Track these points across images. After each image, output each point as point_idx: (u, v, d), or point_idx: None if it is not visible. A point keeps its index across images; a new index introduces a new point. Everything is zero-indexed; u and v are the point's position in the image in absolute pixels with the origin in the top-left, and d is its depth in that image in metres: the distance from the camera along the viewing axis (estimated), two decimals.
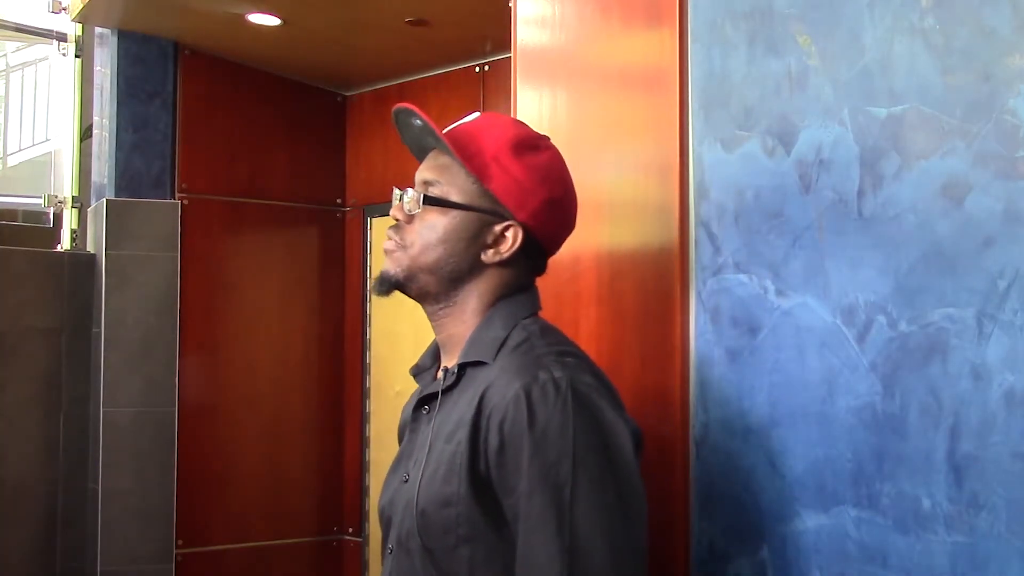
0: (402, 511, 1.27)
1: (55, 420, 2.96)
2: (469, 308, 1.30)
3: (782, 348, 1.35)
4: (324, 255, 3.41)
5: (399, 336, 3.26)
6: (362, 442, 3.35)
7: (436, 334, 1.35)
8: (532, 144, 1.31)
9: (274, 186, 3.30)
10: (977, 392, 1.13)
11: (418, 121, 1.31)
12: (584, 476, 1.14)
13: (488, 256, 1.28)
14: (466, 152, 1.28)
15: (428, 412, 1.31)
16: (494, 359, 1.24)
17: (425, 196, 1.29)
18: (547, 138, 1.35)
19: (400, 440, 1.42)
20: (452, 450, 1.21)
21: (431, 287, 1.30)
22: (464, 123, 1.34)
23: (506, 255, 1.28)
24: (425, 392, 1.33)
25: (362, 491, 3.34)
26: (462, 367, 1.27)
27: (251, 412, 3.20)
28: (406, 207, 1.30)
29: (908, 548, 1.19)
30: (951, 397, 1.16)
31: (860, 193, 1.26)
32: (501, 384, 1.20)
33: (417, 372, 1.39)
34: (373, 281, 1.33)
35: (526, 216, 1.28)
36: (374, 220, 3.36)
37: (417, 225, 1.29)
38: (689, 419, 1.46)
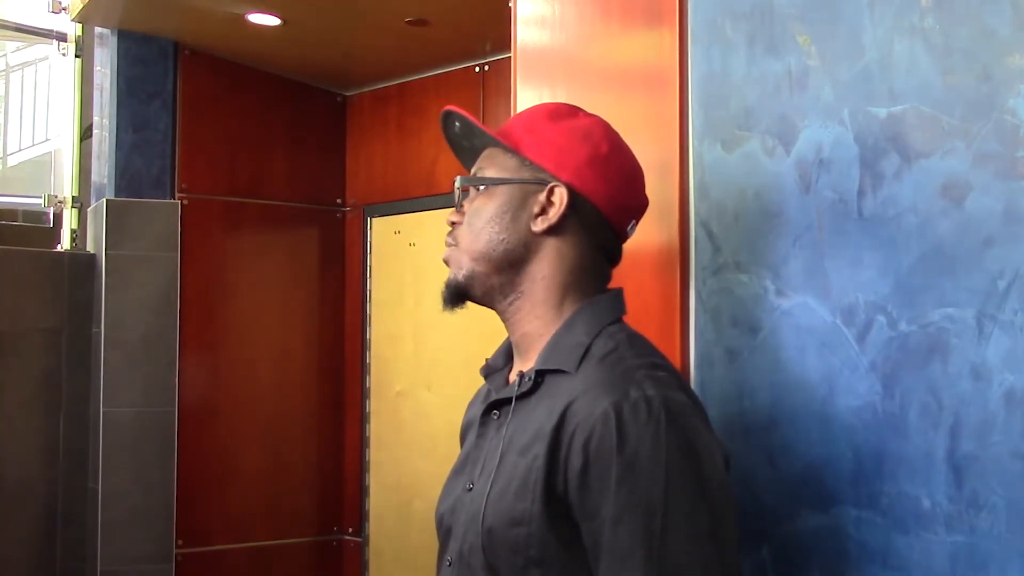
0: (465, 524, 1.19)
1: (55, 420, 2.96)
2: (539, 297, 1.23)
3: (782, 348, 1.35)
4: (324, 255, 3.41)
5: (399, 336, 3.26)
6: (362, 442, 3.35)
7: (510, 334, 1.27)
8: (570, 112, 1.28)
9: (274, 186, 3.30)
10: (977, 392, 1.13)
11: (457, 124, 1.29)
12: (676, 504, 1.06)
13: (538, 224, 1.22)
14: (500, 133, 1.27)
15: (499, 418, 1.23)
16: (577, 369, 1.16)
17: (462, 178, 1.26)
18: (592, 113, 1.31)
19: (462, 440, 1.35)
20: (527, 464, 1.13)
21: (493, 279, 1.23)
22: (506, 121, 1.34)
23: (555, 219, 1.21)
24: (497, 396, 1.24)
25: (362, 491, 3.34)
26: (540, 374, 1.19)
27: (251, 412, 3.20)
28: (457, 203, 1.28)
29: (908, 548, 1.19)
30: (951, 397, 1.16)
31: (860, 193, 1.26)
32: (588, 399, 1.11)
33: (488, 372, 1.31)
34: (441, 295, 1.27)
35: (569, 175, 1.22)
36: (374, 220, 3.36)
37: (466, 217, 1.26)
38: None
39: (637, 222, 1.30)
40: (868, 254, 1.25)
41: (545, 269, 1.23)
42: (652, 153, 1.54)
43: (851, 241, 1.27)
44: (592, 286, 1.25)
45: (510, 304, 1.25)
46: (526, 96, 1.78)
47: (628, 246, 1.58)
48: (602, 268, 1.27)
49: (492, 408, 1.25)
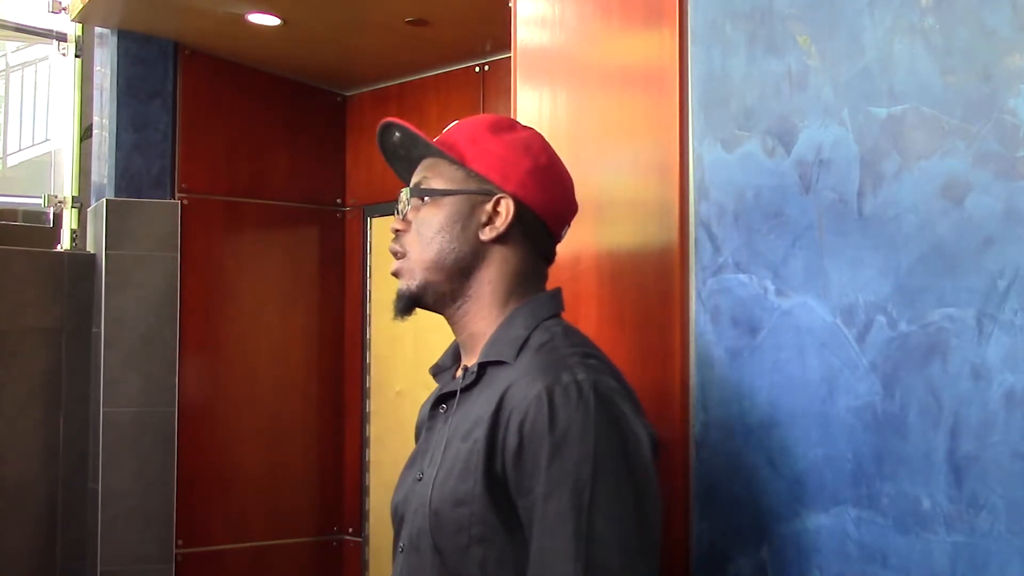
0: (415, 510, 1.25)
1: (55, 420, 2.96)
2: (485, 301, 1.29)
3: (782, 348, 1.35)
4: (324, 255, 3.41)
5: (399, 336, 3.26)
6: (362, 442, 3.35)
7: (456, 335, 1.34)
8: (509, 125, 1.34)
9: (274, 186, 3.30)
10: (977, 392, 1.13)
11: (396, 134, 1.34)
12: (603, 480, 1.13)
13: (486, 233, 1.28)
14: (444, 144, 1.31)
15: (445, 411, 1.30)
16: (515, 359, 1.23)
17: (412, 189, 1.31)
18: (526, 125, 1.37)
19: (417, 439, 1.40)
20: (469, 448, 1.20)
21: (444, 287, 1.30)
22: (442, 133, 1.37)
23: (502, 228, 1.28)
24: (443, 391, 1.32)
25: (362, 491, 3.35)
26: (482, 366, 1.26)
27: (251, 412, 3.20)
28: (400, 212, 1.33)
29: (908, 548, 1.19)
30: (951, 397, 1.16)
31: (860, 193, 1.26)
32: (523, 384, 1.18)
33: (436, 372, 1.39)
34: (393, 305, 1.33)
35: (514, 186, 1.29)
36: (374, 220, 3.36)
37: (414, 227, 1.31)
38: (689, 419, 1.46)
39: (569, 226, 1.38)
40: (868, 254, 1.25)
41: (492, 274, 1.30)
42: (652, 153, 1.54)
43: (851, 241, 1.27)
44: (533, 286, 1.33)
45: (458, 308, 1.31)
46: (526, 96, 1.78)
47: (628, 246, 1.58)
48: (541, 270, 1.35)
49: (440, 402, 1.32)
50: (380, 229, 3.35)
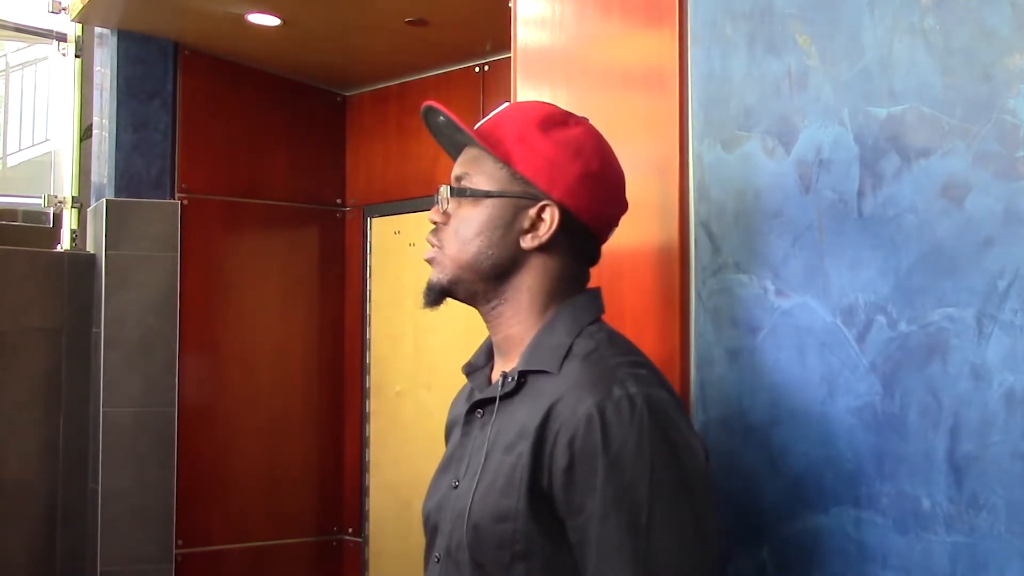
0: (452, 520, 1.21)
1: (55, 420, 2.96)
2: (523, 305, 1.24)
3: (782, 348, 1.35)
4: (324, 255, 3.41)
5: (399, 336, 3.26)
6: (362, 442, 3.35)
7: (491, 335, 1.29)
8: (561, 120, 1.26)
9: (274, 186, 3.30)
10: (977, 392, 1.13)
11: (441, 118, 1.27)
12: (661, 499, 1.09)
13: (527, 242, 1.22)
14: (490, 139, 1.24)
15: (483, 417, 1.25)
16: (559, 369, 1.18)
17: (452, 188, 1.25)
18: (580, 117, 1.29)
19: (447, 439, 1.37)
20: (512, 462, 1.15)
21: (477, 286, 1.24)
22: (491, 115, 1.30)
23: (545, 238, 1.22)
24: (481, 396, 1.26)
25: (362, 491, 3.35)
26: (523, 374, 1.21)
27: (251, 412, 3.20)
28: (440, 205, 1.26)
29: (908, 548, 1.19)
30: (951, 397, 1.16)
31: (860, 193, 1.26)
32: (571, 398, 1.13)
33: (470, 371, 1.33)
34: (422, 294, 1.27)
35: (561, 194, 1.21)
36: (374, 220, 3.36)
37: (452, 223, 1.25)
38: (689, 419, 1.45)
39: (616, 226, 1.31)
40: (868, 254, 1.25)
41: (531, 280, 1.24)
42: (652, 153, 1.54)
43: (851, 241, 1.27)
44: (573, 289, 1.26)
45: (493, 308, 1.26)
46: (526, 96, 1.77)
47: (628, 246, 1.58)
48: (583, 273, 1.29)
49: (476, 407, 1.27)
50: (380, 229, 3.35)
